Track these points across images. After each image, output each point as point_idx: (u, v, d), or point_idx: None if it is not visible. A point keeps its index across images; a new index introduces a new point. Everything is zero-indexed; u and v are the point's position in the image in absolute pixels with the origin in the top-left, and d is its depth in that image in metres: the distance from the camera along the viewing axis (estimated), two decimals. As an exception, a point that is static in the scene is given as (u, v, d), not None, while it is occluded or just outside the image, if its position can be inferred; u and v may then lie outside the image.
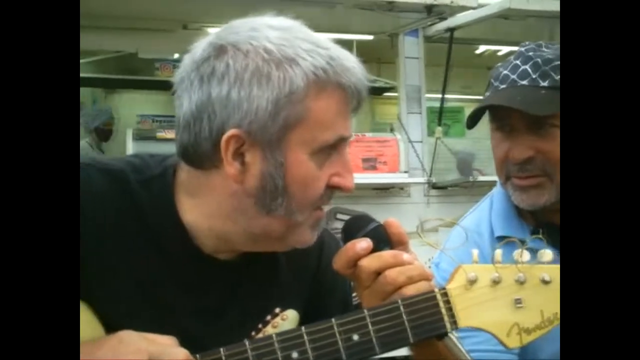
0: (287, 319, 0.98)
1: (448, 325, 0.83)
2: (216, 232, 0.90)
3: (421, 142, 3.92)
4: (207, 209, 0.89)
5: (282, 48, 0.83)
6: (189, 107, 0.85)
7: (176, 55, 4.48)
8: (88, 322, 0.84)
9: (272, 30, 0.85)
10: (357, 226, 0.89)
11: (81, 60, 4.04)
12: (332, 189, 0.89)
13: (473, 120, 1.22)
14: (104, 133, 4.75)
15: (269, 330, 0.96)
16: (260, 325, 0.96)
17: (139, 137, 3.39)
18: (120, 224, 0.87)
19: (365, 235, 0.87)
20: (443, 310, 0.83)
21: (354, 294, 1.03)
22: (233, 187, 0.86)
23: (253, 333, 0.95)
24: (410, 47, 3.85)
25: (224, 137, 0.83)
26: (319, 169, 0.86)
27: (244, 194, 0.86)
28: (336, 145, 0.87)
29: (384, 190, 3.83)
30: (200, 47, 0.86)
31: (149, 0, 3.11)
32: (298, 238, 0.90)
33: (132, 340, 0.76)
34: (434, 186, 3.89)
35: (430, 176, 3.85)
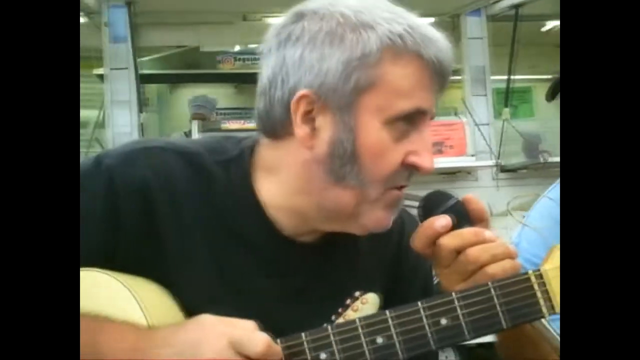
0: (367, 303, 0.96)
1: (544, 310, 0.78)
2: (293, 209, 0.88)
3: (488, 124, 3.81)
4: (282, 184, 0.87)
5: (358, 13, 0.82)
6: (266, 73, 0.85)
7: (237, 48, 4.52)
8: (169, 309, 0.84)
9: (353, 1, 0.84)
10: (435, 203, 0.86)
11: (145, 58, 4.12)
12: (409, 168, 0.85)
13: (554, 92, 1.17)
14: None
15: (350, 313, 0.95)
16: (340, 309, 0.94)
17: (205, 129, 3.43)
18: (199, 207, 0.87)
19: (444, 212, 0.83)
20: (539, 294, 0.78)
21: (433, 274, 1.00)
22: (305, 155, 0.84)
23: (333, 317, 0.94)
24: (474, 27, 3.74)
25: (295, 97, 0.82)
26: (393, 142, 0.83)
27: (315, 160, 0.84)
28: (414, 120, 0.83)
29: (451, 175, 3.76)
30: (283, 17, 0.86)
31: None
32: (372, 217, 0.86)
33: (212, 324, 0.76)
34: (503, 169, 3.78)
35: (498, 159, 3.74)
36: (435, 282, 0.96)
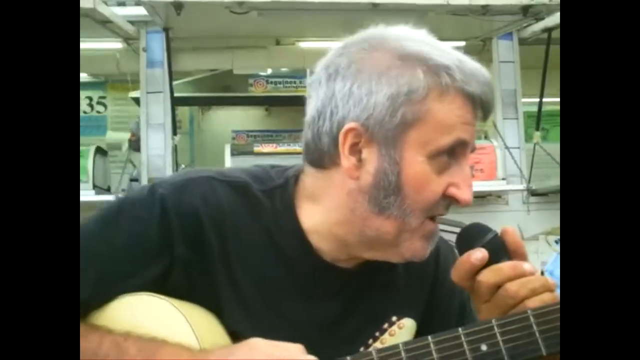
0: (404, 328, 0.98)
1: None
2: (334, 236, 0.91)
3: (518, 148, 3.80)
4: (326, 212, 0.90)
5: (406, 48, 0.84)
6: (315, 105, 0.88)
7: (269, 71, 4.58)
8: (217, 332, 0.88)
9: (400, 33, 0.87)
10: (473, 236, 0.87)
11: (178, 81, 4.21)
12: (448, 199, 0.87)
13: None
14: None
15: (387, 338, 0.96)
16: (377, 334, 0.96)
17: (237, 152, 3.48)
18: (244, 233, 0.90)
19: (482, 246, 0.85)
20: None
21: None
22: (349, 185, 0.87)
23: (370, 341, 0.96)
24: (505, 51, 3.75)
25: (343, 129, 0.85)
26: (435, 175, 0.85)
27: (359, 191, 0.87)
28: (456, 153, 0.86)
29: (481, 199, 3.74)
30: (331, 50, 0.89)
31: (242, 18, 3.19)
32: (410, 246, 0.89)
33: (262, 347, 0.78)
34: (533, 193, 3.75)
35: (529, 183, 3.72)
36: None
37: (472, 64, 0.86)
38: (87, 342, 0.81)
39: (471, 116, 0.86)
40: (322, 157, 0.89)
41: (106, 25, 3.36)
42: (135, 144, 4.14)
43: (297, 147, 3.53)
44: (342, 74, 0.86)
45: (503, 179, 3.65)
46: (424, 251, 0.90)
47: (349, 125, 0.85)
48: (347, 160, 0.86)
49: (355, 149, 0.86)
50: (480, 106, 0.86)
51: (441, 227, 0.94)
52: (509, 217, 3.66)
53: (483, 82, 0.86)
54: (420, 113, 0.83)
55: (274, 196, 0.93)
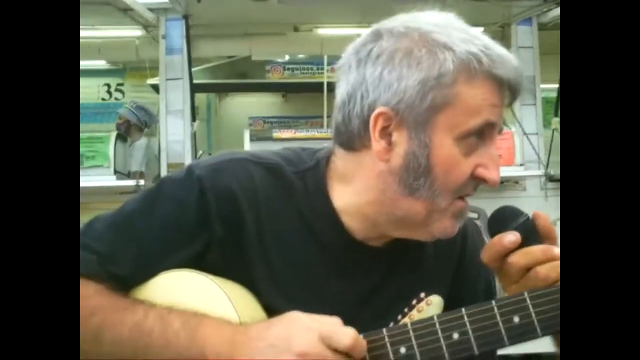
0: (431, 304, 1.00)
1: None
2: (364, 216, 0.93)
3: (537, 134, 3.79)
4: (357, 193, 0.93)
5: (435, 34, 0.85)
6: (346, 88, 0.90)
7: (287, 57, 4.61)
8: (254, 308, 0.90)
9: (430, 19, 0.88)
10: (506, 219, 0.89)
11: (196, 68, 4.23)
12: (476, 180, 0.89)
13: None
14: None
15: (415, 314, 0.98)
16: (406, 310, 0.98)
17: (256, 137, 3.51)
18: (278, 213, 0.93)
19: (514, 229, 0.86)
20: None
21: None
22: (380, 167, 0.89)
23: (399, 317, 0.98)
24: (524, 37, 3.74)
25: (373, 113, 0.87)
26: (463, 156, 0.87)
27: (389, 173, 0.89)
28: (484, 135, 0.87)
29: (499, 184, 3.75)
30: (362, 36, 0.91)
31: (261, 5, 3.21)
32: (440, 225, 0.91)
33: (302, 319, 0.81)
34: (551, 179, 3.75)
35: (547, 169, 3.72)
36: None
37: (499, 49, 0.87)
38: (133, 315, 0.84)
39: (499, 98, 0.87)
40: (352, 139, 0.91)
41: (127, 13, 3.39)
42: (123, 128, 4.17)
43: (315, 133, 3.55)
44: (373, 60, 0.88)
45: (521, 164, 3.66)
46: (453, 229, 0.93)
47: (379, 109, 0.87)
48: (377, 143, 0.88)
49: (385, 132, 0.88)
50: (508, 89, 0.88)
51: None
52: (526, 202, 3.66)
53: (510, 65, 0.87)
54: (449, 97, 0.85)
55: (306, 177, 0.96)
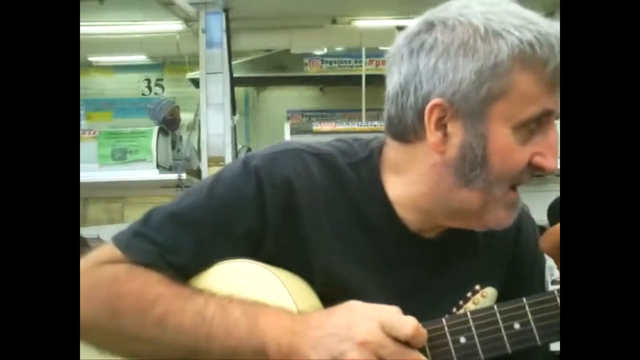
0: (486, 296, 1.00)
1: None
2: (419, 207, 0.93)
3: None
4: (410, 184, 0.92)
5: (489, 22, 0.85)
6: (398, 79, 0.89)
7: (325, 50, 4.60)
8: (311, 297, 0.91)
9: (482, 6, 0.87)
10: None
11: (236, 62, 4.26)
12: (533, 168, 0.88)
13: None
14: (172, 123, 4.80)
15: (470, 306, 0.98)
16: (460, 302, 0.98)
17: (296, 130, 3.51)
18: (334, 203, 0.93)
19: None
20: None
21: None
22: (434, 159, 0.89)
23: (454, 309, 0.98)
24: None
25: (428, 105, 0.86)
26: (520, 145, 0.86)
27: (444, 164, 0.88)
28: (541, 122, 0.86)
29: (540, 178, 3.66)
30: (413, 25, 0.90)
31: (299, -2, 3.22)
32: (495, 215, 0.90)
33: (362, 308, 0.81)
34: (595, 170, 3.67)
35: (591, 160, 3.63)
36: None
37: (553, 34, 0.85)
38: (194, 304, 0.85)
39: (554, 85, 0.86)
40: (406, 131, 0.91)
41: (169, 7, 3.43)
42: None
43: (355, 126, 3.54)
44: (427, 50, 0.87)
45: (563, 156, 3.59)
46: (508, 220, 0.92)
47: (434, 101, 0.86)
48: (433, 135, 0.88)
49: (440, 124, 0.87)
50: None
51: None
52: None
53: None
54: (505, 86, 0.84)
55: (360, 168, 0.96)
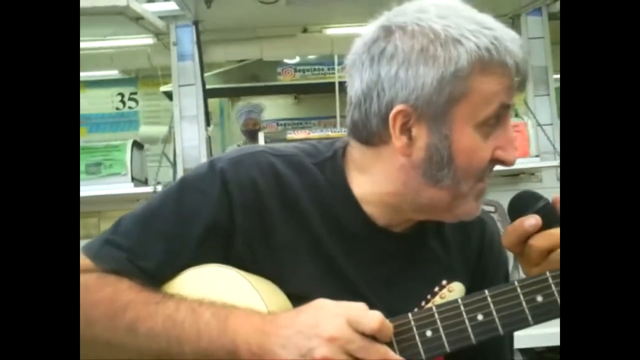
0: (453, 291, 1.02)
1: None
2: (386, 204, 0.95)
3: (551, 124, 3.77)
4: (377, 183, 0.95)
5: (447, 28, 0.87)
6: (360, 86, 0.91)
7: (297, 59, 4.62)
8: (281, 299, 0.93)
9: (438, 10, 0.89)
10: (525, 203, 0.91)
11: (208, 73, 4.27)
12: (495, 162, 0.91)
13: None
14: (250, 134, 4.77)
15: (437, 300, 1.00)
16: (428, 296, 1.00)
17: (270, 139, 3.53)
18: (301, 202, 0.95)
19: (535, 213, 0.88)
20: None
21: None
22: (401, 161, 0.91)
23: (423, 303, 1.00)
24: (534, 27, 3.71)
25: (392, 112, 0.88)
26: (483, 141, 0.89)
27: (411, 166, 0.91)
28: (499, 116, 0.89)
29: (515, 177, 3.73)
30: (370, 30, 0.92)
31: (270, 8, 3.23)
32: (464, 208, 0.93)
33: (329, 306, 0.83)
34: (567, 169, 3.72)
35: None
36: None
37: (509, 36, 0.89)
38: (165, 308, 0.86)
39: (511, 81, 0.89)
40: (371, 135, 0.93)
41: (139, 22, 3.43)
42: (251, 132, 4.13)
43: (329, 133, 3.57)
44: (387, 58, 0.89)
45: (536, 156, 3.64)
46: (477, 210, 0.95)
47: (398, 107, 0.88)
48: (398, 140, 0.90)
49: (404, 128, 0.90)
50: (519, 74, 0.90)
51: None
52: (543, 194, 3.63)
53: (519, 52, 0.89)
54: (465, 88, 0.87)
55: (325, 168, 0.98)
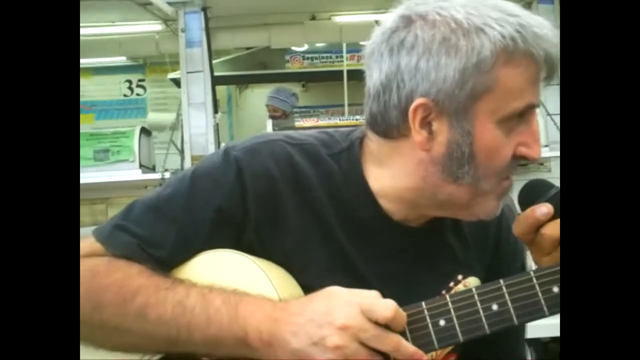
0: (469, 286, 1.00)
1: None
2: (404, 199, 0.93)
3: (560, 114, 3.75)
4: (395, 178, 0.92)
5: (469, 17, 0.84)
6: (379, 78, 0.88)
7: (306, 47, 4.60)
8: (292, 286, 0.91)
9: (462, 1, 0.86)
10: (537, 192, 0.88)
11: (216, 60, 4.25)
12: (518, 158, 0.88)
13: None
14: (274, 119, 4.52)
15: (453, 295, 0.99)
16: (444, 292, 0.98)
17: (278, 127, 3.52)
18: (315, 193, 0.93)
19: (546, 201, 0.86)
20: None
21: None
22: (420, 156, 0.89)
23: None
24: (546, 15, 3.67)
25: (412, 105, 0.86)
26: (505, 137, 0.86)
27: (431, 162, 0.88)
28: (524, 114, 0.86)
29: (524, 167, 3.70)
30: (389, 19, 0.89)
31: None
32: (483, 207, 0.91)
33: (342, 293, 0.82)
34: (577, 159, 3.70)
35: (572, 149, 3.66)
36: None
37: (537, 24, 0.84)
38: (175, 294, 0.86)
39: (537, 75, 0.86)
40: (390, 128, 0.90)
41: (146, 8, 3.42)
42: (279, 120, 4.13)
43: (337, 121, 3.55)
44: (408, 49, 0.86)
45: (546, 145, 3.61)
46: (497, 210, 0.92)
47: (418, 100, 0.85)
48: (418, 134, 0.87)
49: (425, 122, 0.87)
50: (547, 64, 0.85)
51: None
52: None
53: (548, 41, 0.84)
54: (489, 82, 0.84)
55: (341, 159, 0.96)
